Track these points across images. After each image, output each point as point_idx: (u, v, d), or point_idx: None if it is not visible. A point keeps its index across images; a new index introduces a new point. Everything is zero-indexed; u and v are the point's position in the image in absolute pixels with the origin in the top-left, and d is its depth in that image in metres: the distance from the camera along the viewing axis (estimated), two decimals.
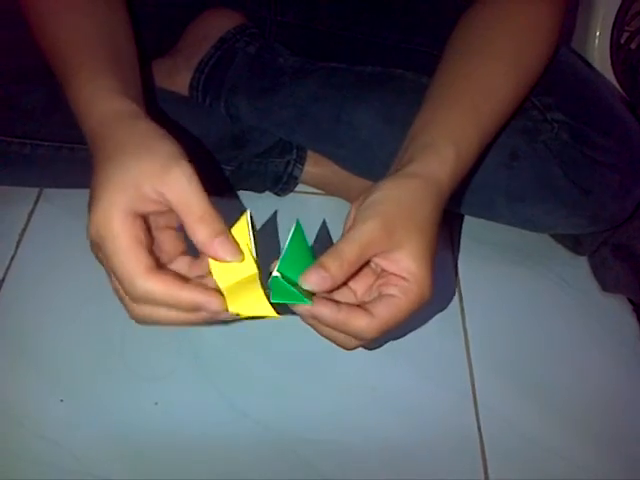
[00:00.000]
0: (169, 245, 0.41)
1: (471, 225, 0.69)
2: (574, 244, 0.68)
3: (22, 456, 0.49)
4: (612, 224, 0.61)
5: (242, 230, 0.39)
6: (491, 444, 0.55)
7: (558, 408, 0.57)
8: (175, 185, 0.36)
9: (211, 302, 0.36)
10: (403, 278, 0.39)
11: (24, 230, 0.64)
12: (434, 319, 0.62)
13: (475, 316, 0.63)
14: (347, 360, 0.57)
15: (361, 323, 0.38)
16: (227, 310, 0.37)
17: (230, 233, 0.38)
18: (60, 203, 0.65)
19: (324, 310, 0.37)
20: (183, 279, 0.38)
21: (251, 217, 0.39)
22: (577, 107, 0.58)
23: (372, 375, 0.57)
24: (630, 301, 0.67)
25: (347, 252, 0.37)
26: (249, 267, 0.39)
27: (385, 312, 0.38)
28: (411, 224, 0.39)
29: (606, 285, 0.67)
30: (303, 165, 0.66)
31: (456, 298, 0.64)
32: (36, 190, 0.66)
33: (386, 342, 0.58)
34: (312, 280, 0.37)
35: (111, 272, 0.37)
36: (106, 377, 0.54)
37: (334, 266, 0.37)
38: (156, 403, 0.53)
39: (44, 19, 0.47)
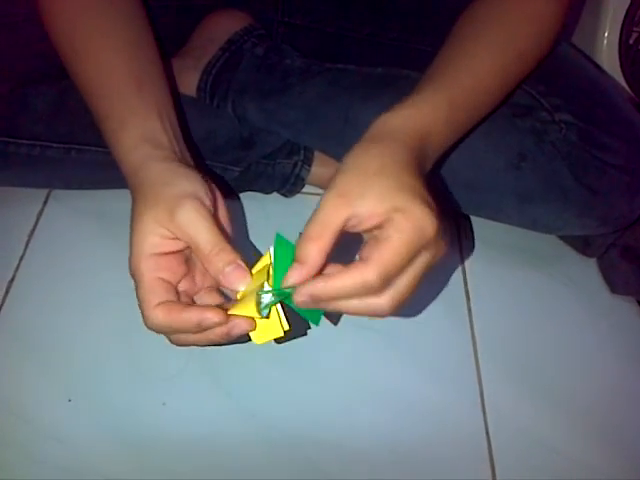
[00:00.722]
0: (200, 274, 0.44)
1: (479, 226, 0.69)
2: (583, 246, 0.68)
3: (30, 456, 0.50)
4: (620, 225, 0.61)
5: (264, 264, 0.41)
6: (498, 445, 0.54)
7: (566, 409, 0.57)
8: (181, 227, 0.39)
9: (206, 317, 0.38)
10: (382, 221, 0.37)
11: (33, 230, 0.64)
12: (441, 319, 0.62)
13: (483, 317, 0.63)
14: (355, 363, 0.57)
15: (356, 275, 0.36)
16: (225, 319, 0.38)
17: (244, 261, 0.40)
18: (69, 204, 0.66)
19: (317, 285, 0.36)
20: (186, 305, 0.40)
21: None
22: (585, 108, 0.58)
23: (379, 376, 0.57)
24: (639, 303, 0.66)
25: (312, 233, 0.37)
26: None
27: (377, 253, 0.36)
28: (368, 177, 0.38)
29: (615, 287, 0.67)
30: (310, 166, 0.66)
31: (464, 299, 0.64)
32: (45, 190, 0.67)
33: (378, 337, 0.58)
34: (291, 280, 0.37)
35: None
36: (114, 377, 0.54)
37: (304, 254, 0.37)
38: (164, 403, 0.54)
39: (69, 49, 0.50)
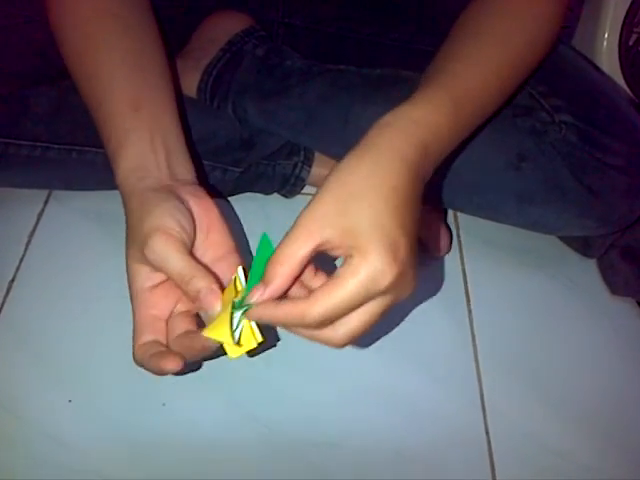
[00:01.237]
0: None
1: (479, 227, 0.69)
2: (583, 247, 0.68)
3: (29, 456, 0.50)
4: (620, 226, 0.61)
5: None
6: (499, 447, 0.54)
7: (567, 410, 0.57)
8: (154, 260, 0.40)
9: (166, 369, 0.40)
10: (345, 256, 0.37)
11: (33, 231, 0.64)
12: (442, 321, 0.62)
13: (483, 318, 0.63)
14: (356, 364, 0.57)
15: (299, 310, 0.36)
16: (182, 365, 0.40)
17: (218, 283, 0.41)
18: (69, 204, 0.66)
19: (264, 310, 0.37)
20: (155, 352, 0.41)
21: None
22: (585, 109, 0.58)
23: (380, 378, 0.57)
24: (639, 304, 0.66)
25: (280, 257, 0.37)
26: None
27: (325, 293, 0.36)
28: (347, 203, 0.37)
29: (615, 288, 0.67)
30: (310, 167, 0.66)
31: (464, 300, 0.64)
32: (45, 191, 0.67)
33: (378, 339, 0.58)
34: (251, 299, 0.38)
35: None
36: (114, 378, 0.54)
37: (270, 276, 0.37)
38: (164, 404, 0.54)
39: (74, 56, 0.50)
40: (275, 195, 0.69)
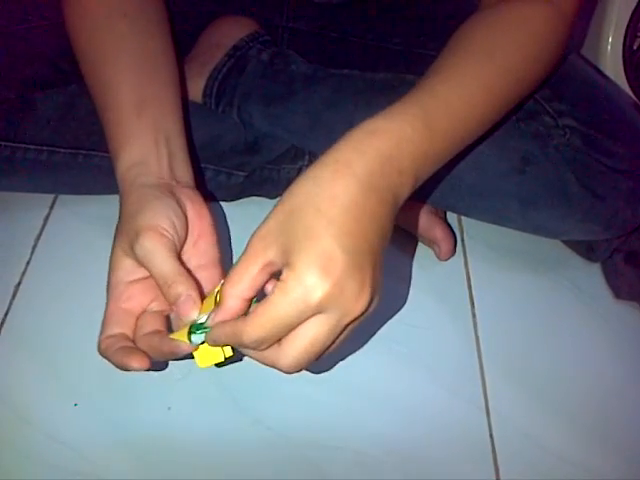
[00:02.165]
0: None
1: (483, 231, 0.69)
2: (587, 251, 0.68)
3: (36, 459, 0.50)
4: (625, 230, 0.61)
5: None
6: (503, 451, 0.54)
7: (571, 415, 0.57)
8: (142, 257, 0.41)
9: (131, 365, 0.41)
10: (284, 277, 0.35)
11: (39, 235, 0.64)
12: (445, 325, 0.62)
13: (487, 322, 0.63)
14: (361, 367, 0.57)
15: (234, 330, 0.36)
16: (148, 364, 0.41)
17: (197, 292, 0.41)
18: (75, 208, 0.66)
19: (213, 331, 0.38)
20: (120, 348, 0.42)
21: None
22: (589, 114, 0.58)
23: (383, 381, 0.57)
24: None
25: (232, 277, 0.37)
26: None
27: (257, 313, 0.35)
28: (291, 219, 0.36)
29: (619, 292, 0.66)
30: None
31: (468, 304, 0.64)
32: (51, 195, 0.67)
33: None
34: (209, 322, 0.38)
35: None
36: (119, 381, 0.54)
37: (223, 297, 0.37)
38: (169, 408, 0.54)
39: (86, 53, 0.51)
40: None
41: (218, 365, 0.41)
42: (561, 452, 0.55)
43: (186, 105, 0.54)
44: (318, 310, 0.34)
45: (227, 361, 0.41)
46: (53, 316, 0.58)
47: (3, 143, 0.58)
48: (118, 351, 0.41)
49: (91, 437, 0.51)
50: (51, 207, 0.67)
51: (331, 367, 0.57)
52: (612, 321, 0.65)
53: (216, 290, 0.40)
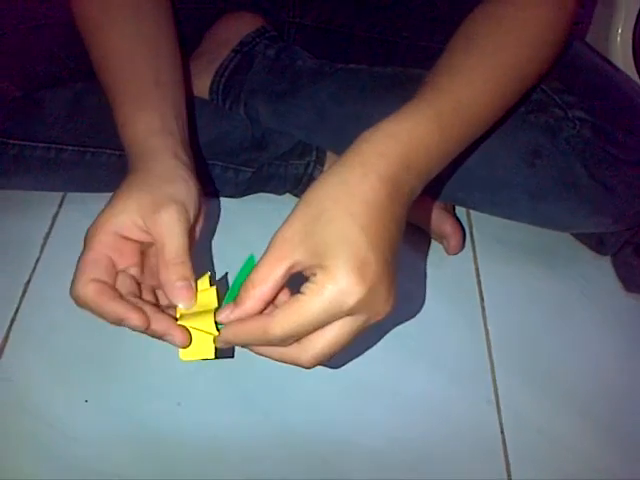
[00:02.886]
0: (149, 272, 0.44)
1: (492, 224, 0.69)
2: (597, 244, 0.68)
3: (47, 455, 0.50)
4: (635, 223, 0.60)
5: (204, 284, 0.42)
6: (514, 446, 0.54)
7: (582, 409, 0.57)
8: (160, 225, 0.41)
9: (130, 317, 0.39)
10: (310, 275, 0.36)
11: (48, 233, 0.65)
12: (455, 319, 0.62)
13: (496, 316, 0.63)
14: (370, 363, 0.57)
15: (260, 327, 0.36)
16: (173, 327, 0.40)
17: (195, 282, 0.41)
18: (84, 207, 0.66)
19: (229, 330, 0.38)
20: (117, 296, 0.40)
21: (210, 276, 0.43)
22: (599, 105, 0.57)
23: (393, 377, 0.57)
24: None
25: (255, 279, 0.37)
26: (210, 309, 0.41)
27: (287, 311, 0.35)
28: (316, 221, 0.36)
29: (629, 285, 0.66)
30: (322, 166, 0.66)
31: (477, 298, 0.64)
32: (60, 194, 0.68)
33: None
34: (219, 318, 0.38)
35: None
36: (129, 378, 0.55)
37: (243, 298, 0.37)
38: (179, 403, 0.54)
39: (95, 38, 0.52)
40: (287, 195, 0.69)
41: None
42: (572, 447, 0.55)
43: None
44: (349, 313, 0.35)
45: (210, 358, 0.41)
46: (62, 313, 0.58)
47: (11, 141, 0.58)
48: (114, 302, 0.39)
49: (101, 433, 0.52)
50: (60, 205, 0.67)
51: (345, 363, 0.57)
52: (622, 314, 0.64)
53: (201, 288, 0.41)
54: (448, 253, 0.66)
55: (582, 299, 0.65)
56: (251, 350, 0.40)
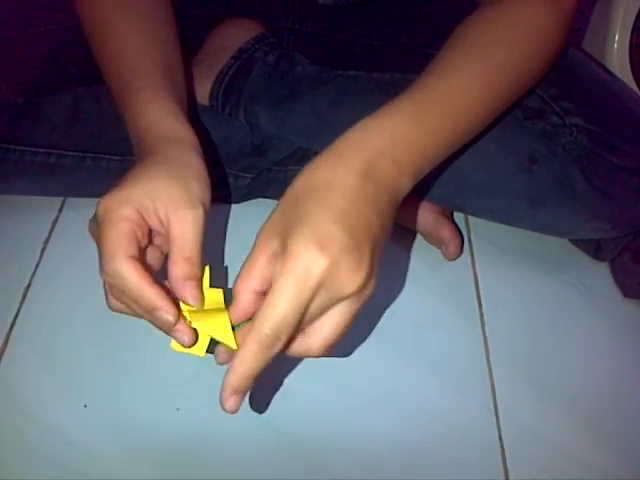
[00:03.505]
0: (152, 262, 0.43)
1: (490, 230, 0.69)
2: (595, 250, 0.68)
3: (46, 460, 0.50)
4: (633, 228, 0.61)
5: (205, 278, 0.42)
6: (512, 452, 0.54)
7: (581, 414, 0.57)
8: (182, 221, 0.40)
9: (166, 311, 0.38)
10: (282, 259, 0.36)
11: (48, 238, 0.65)
12: (453, 325, 0.62)
13: (495, 322, 0.63)
14: (368, 368, 0.58)
15: (251, 340, 0.35)
16: (184, 324, 0.39)
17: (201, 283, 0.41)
18: (84, 211, 0.66)
19: (231, 379, 0.37)
20: (155, 282, 0.39)
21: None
22: (596, 112, 0.57)
23: (391, 382, 0.57)
24: None
25: (241, 271, 0.37)
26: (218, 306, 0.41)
27: (264, 307, 0.35)
28: (293, 209, 0.37)
29: (627, 291, 0.66)
30: None
31: (475, 304, 0.64)
32: (60, 199, 0.68)
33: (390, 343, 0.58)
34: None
35: (98, 247, 0.39)
36: (128, 383, 0.55)
37: (235, 293, 0.38)
38: (178, 409, 0.54)
39: (102, 35, 0.52)
40: None
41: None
42: (571, 453, 0.55)
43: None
44: (319, 286, 0.35)
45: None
46: (62, 318, 0.58)
47: (12, 147, 0.58)
48: (156, 289, 0.38)
49: (101, 438, 0.52)
50: (60, 210, 0.67)
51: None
52: (621, 320, 0.64)
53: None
54: (446, 259, 0.66)
55: (580, 305, 0.65)
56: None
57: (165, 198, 0.40)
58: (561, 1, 0.49)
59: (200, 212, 0.41)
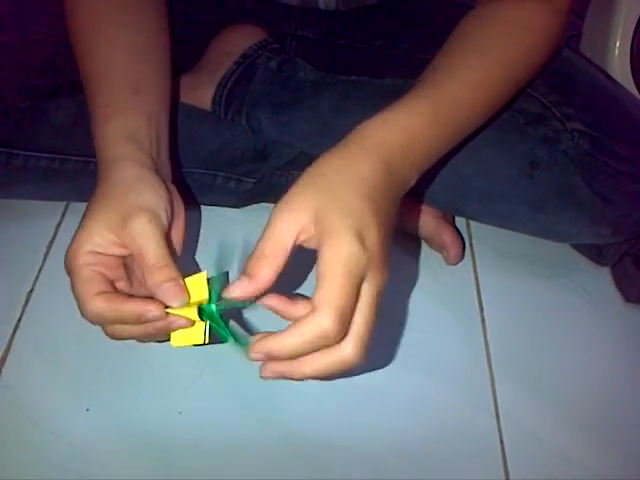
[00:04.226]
0: (138, 283, 0.44)
1: (491, 235, 0.69)
2: (596, 255, 0.68)
3: (48, 463, 0.50)
4: (634, 233, 0.61)
5: (198, 284, 0.42)
6: (513, 456, 0.54)
7: (581, 419, 0.57)
8: (133, 236, 0.41)
9: (148, 309, 0.39)
10: (316, 244, 0.37)
11: (51, 242, 0.65)
12: (454, 329, 0.62)
13: (496, 327, 0.63)
14: (369, 372, 0.57)
15: (312, 324, 0.35)
16: (165, 314, 0.40)
17: (183, 281, 0.41)
18: None
19: (272, 344, 0.36)
20: (127, 296, 0.41)
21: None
22: (597, 117, 0.58)
23: (392, 385, 0.57)
24: None
25: (266, 251, 0.37)
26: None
27: (322, 293, 0.35)
28: (317, 192, 0.38)
29: (628, 295, 0.66)
30: None
31: (477, 308, 0.64)
32: (63, 203, 0.68)
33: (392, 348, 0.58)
34: (237, 292, 0.37)
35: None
36: (131, 386, 0.55)
37: (256, 270, 0.36)
38: (180, 412, 0.54)
39: (81, 47, 0.52)
40: None
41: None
42: (572, 457, 0.55)
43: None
44: (367, 272, 0.36)
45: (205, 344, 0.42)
46: (65, 322, 0.58)
47: (16, 152, 0.59)
48: (130, 302, 0.40)
49: (103, 441, 0.52)
50: (63, 215, 0.67)
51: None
52: (622, 325, 0.64)
53: (192, 278, 0.41)
54: (448, 263, 0.67)
55: (581, 310, 0.65)
56: (293, 375, 0.38)
57: (107, 226, 0.41)
58: (556, 1, 0.51)
59: (145, 218, 0.41)
